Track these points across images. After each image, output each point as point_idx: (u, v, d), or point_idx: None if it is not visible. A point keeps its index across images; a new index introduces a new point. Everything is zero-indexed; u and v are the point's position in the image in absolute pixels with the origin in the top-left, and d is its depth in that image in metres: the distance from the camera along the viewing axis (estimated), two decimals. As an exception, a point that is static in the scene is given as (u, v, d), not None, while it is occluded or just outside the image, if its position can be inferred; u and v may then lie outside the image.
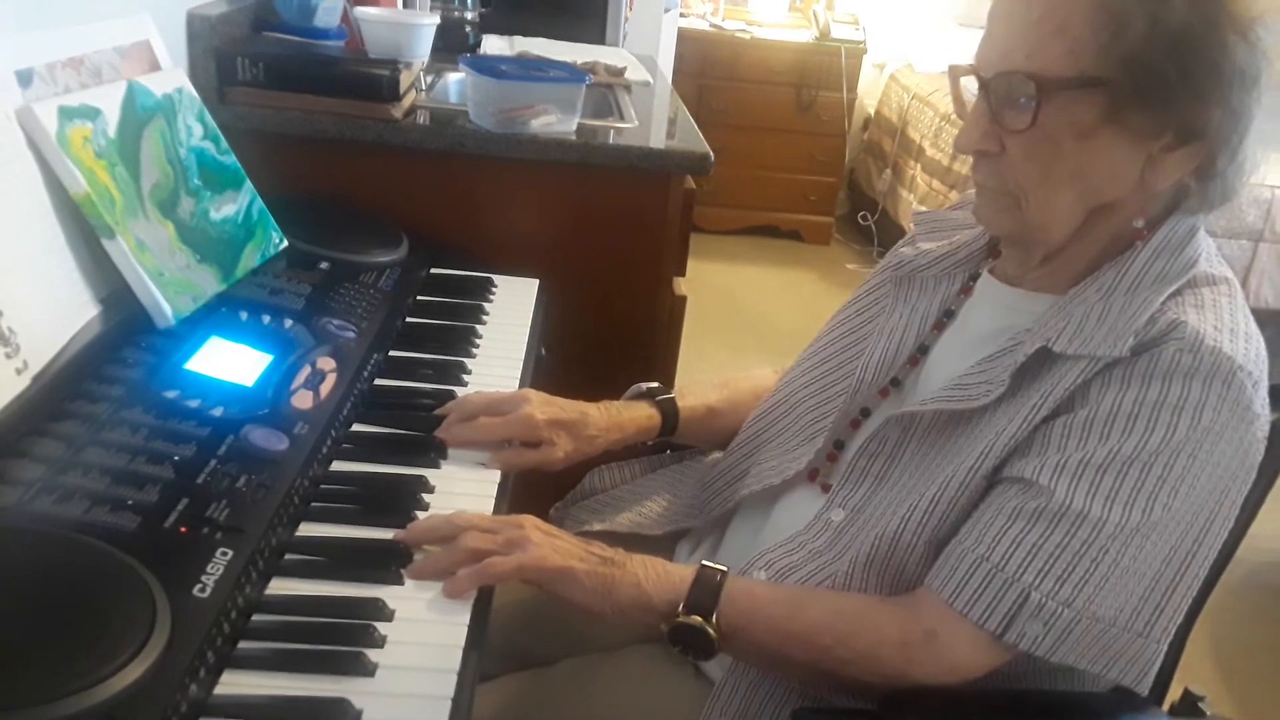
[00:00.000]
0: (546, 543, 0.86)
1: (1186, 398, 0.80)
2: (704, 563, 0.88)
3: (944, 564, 0.84)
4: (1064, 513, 0.80)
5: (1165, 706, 0.99)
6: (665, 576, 0.87)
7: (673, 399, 1.15)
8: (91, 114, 0.99)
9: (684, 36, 3.84)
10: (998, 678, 0.92)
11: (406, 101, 1.52)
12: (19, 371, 0.84)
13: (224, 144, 1.20)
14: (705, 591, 0.86)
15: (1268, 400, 0.84)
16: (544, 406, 1.05)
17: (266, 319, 1.07)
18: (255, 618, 0.74)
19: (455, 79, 1.89)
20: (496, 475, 0.98)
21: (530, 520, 0.89)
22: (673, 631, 0.86)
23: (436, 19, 1.69)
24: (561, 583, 0.85)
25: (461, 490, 0.94)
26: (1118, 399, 0.82)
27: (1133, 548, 0.79)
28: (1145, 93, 0.79)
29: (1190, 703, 0.97)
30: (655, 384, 1.17)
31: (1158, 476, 0.80)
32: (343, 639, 0.73)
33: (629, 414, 1.12)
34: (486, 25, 2.18)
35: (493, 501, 0.95)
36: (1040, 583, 0.79)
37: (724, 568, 0.88)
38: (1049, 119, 0.81)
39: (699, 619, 0.85)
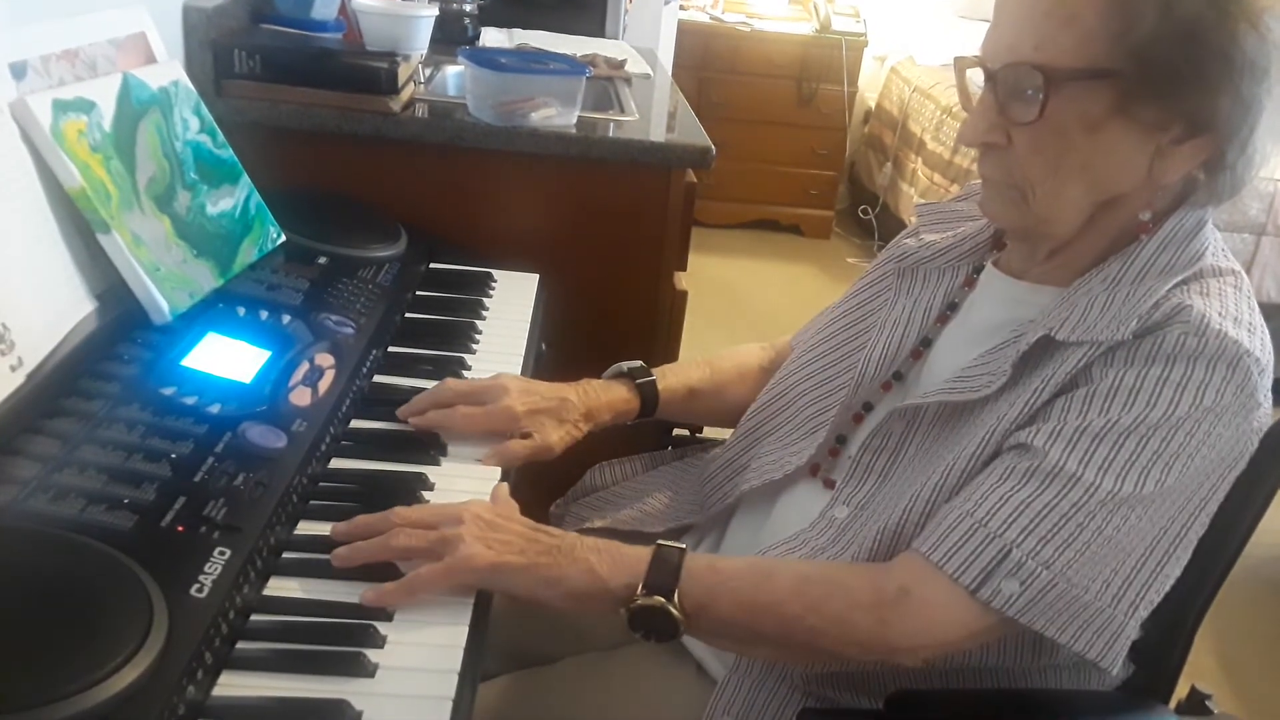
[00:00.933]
0: (480, 539, 0.80)
1: (1190, 377, 0.79)
2: (660, 541, 0.85)
3: (931, 522, 0.83)
4: (1055, 474, 0.79)
5: (1172, 704, 0.98)
6: (621, 559, 0.83)
7: (653, 381, 1.13)
8: (86, 107, 0.98)
9: (684, 29, 3.83)
10: (1003, 675, 0.92)
11: (405, 94, 1.51)
12: (14, 369, 0.83)
13: (221, 137, 1.18)
14: (664, 570, 0.82)
15: (1271, 392, 0.83)
16: (523, 397, 1.02)
17: (264, 314, 1.06)
18: (254, 618, 0.73)
19: (454, 72, 1.88)
20: (497, 472, 0.97)
21: (471, 511, 0.83)
22: (633, 615, 0.81)
23: (435, 11, 1.67)
24: (497, 580, 0.80)
25: (462, 488, 0.93)
26: (1120, 375, 0.81)
27: (1118, 518, 0.78)
28: (1155, 84, 0.78)
29: (1197, 701, 0.97)
30: (637, 363, 1.14)
31: (1153, 451, 0.79)
32: (342, 639, 0.72)
33: (606, 397, 1.09)
34: (485, 18, 2.16)
35: (493, 499, 0.94)
36: (1022, 540, 0.78)
37: (682, 545, 0.85)
38: (1057, 111, 0.80)
39: (660, 599, 0.80)
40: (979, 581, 0.78)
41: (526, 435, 1.01)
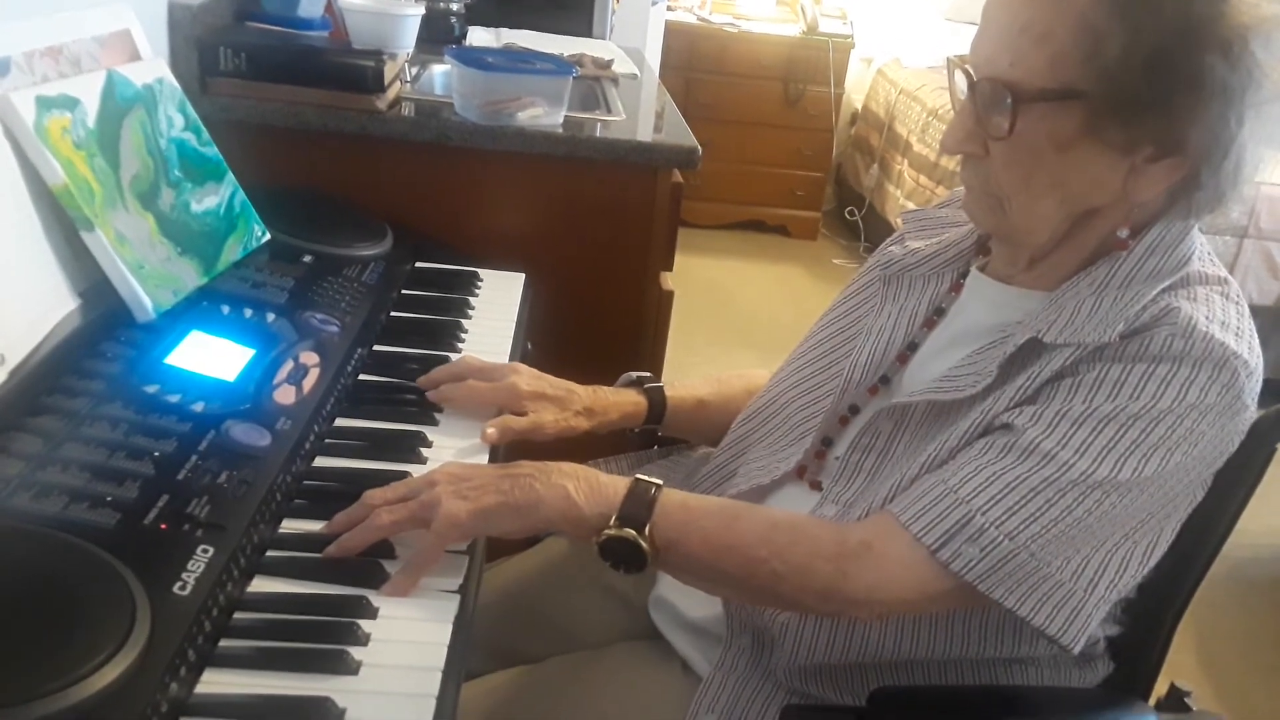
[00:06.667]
0: (455, 494, 0.82)
1: (1176, 373, 0.80)
2: (638, 475, 0.86)
3: (908, 489, 0.85)
4: (1031, 450, 0.80)
5: (1151, 701, 0.99)
6: (598, 488, 0.85)
7: (661, 388, 1.15)
8: (70, 104, 0.97)
9: (671, 30, 3.83)
10: (983, 670, 0.93)
11: (391, 93, 1.51)
12: (-4, 366, 0.83)
13: (205, 135, 1.18)
14: (639, 504, 0.83)
15: (1258, 396, 0.84)
16: (531, 380, 1.07)
17: (248, 313, 1.06)
18: (237, 615, 0.73)
19: (440, 71, 1.88)
20: (482, 470, 0.97)
21: (442, 471, 0.85)
22: (604, 544, 0.83)
23: (421, 10, 1.67)
24: (482, 526, 0.82)
25: (446, 486, 0.93)
26: (1105, 369, 0.82)
27: (1090, 501, 0.79)
28: (1122, 108, 0.79)
29: (1177, 698, 0.98)
30: (646, 373, 1.17)
31: (1132, 440, 0.79)
32: (326, 637, 0.72)
33: (615, 398, 1.12)
34: (472, 18, 2.16)
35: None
36: (989, 508, 0.79)
37: (659, 481, 0.86)
38: (1027, 129, 0.81)
39: (632, 532, 0.82)
40: (940, 543, 0.79)
41: (524, 414, 1.04)
